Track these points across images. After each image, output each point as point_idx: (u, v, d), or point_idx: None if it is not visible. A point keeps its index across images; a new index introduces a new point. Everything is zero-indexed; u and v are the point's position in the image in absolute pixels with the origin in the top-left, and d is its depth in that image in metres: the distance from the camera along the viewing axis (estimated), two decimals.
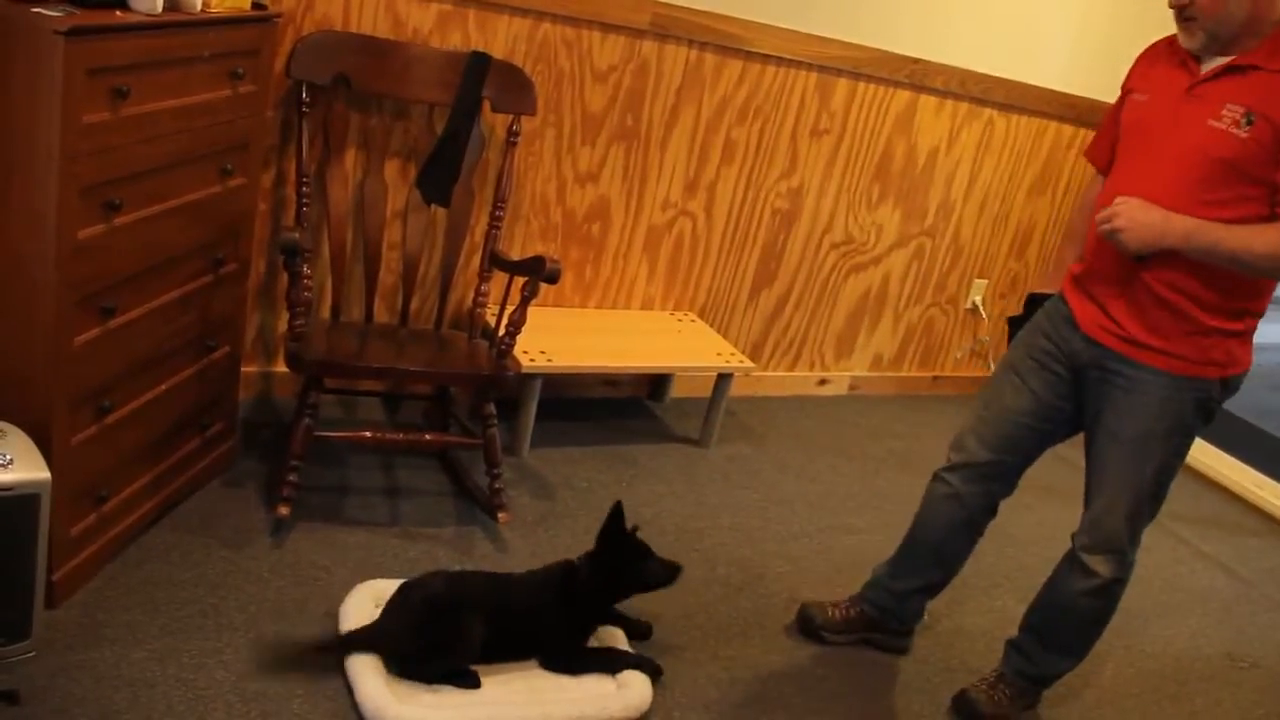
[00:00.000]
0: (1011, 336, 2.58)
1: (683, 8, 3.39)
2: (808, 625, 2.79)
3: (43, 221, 2.04)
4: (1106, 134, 2.48)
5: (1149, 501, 2.37)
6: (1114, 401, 2.32)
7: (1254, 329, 2.28)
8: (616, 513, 2.46)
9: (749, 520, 3.30)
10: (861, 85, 3.83)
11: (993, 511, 2.62)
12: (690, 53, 3.48)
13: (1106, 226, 2.18)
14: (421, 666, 2.28)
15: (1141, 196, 2.17)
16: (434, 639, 2.29)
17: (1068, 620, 2.52)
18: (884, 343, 4.44)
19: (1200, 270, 2.16)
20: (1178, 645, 3.16)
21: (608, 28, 3.32)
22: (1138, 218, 2.14)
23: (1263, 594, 3.59)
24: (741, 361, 3.62)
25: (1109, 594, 2.44)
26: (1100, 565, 2.40)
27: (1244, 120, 2.09)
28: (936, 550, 2.68)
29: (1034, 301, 2.55)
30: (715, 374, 3.63)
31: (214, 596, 2.45)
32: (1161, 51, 2.32)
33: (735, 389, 3.80)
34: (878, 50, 3.76)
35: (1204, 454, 4.45)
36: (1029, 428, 2.47)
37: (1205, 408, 2.30)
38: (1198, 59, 2.20)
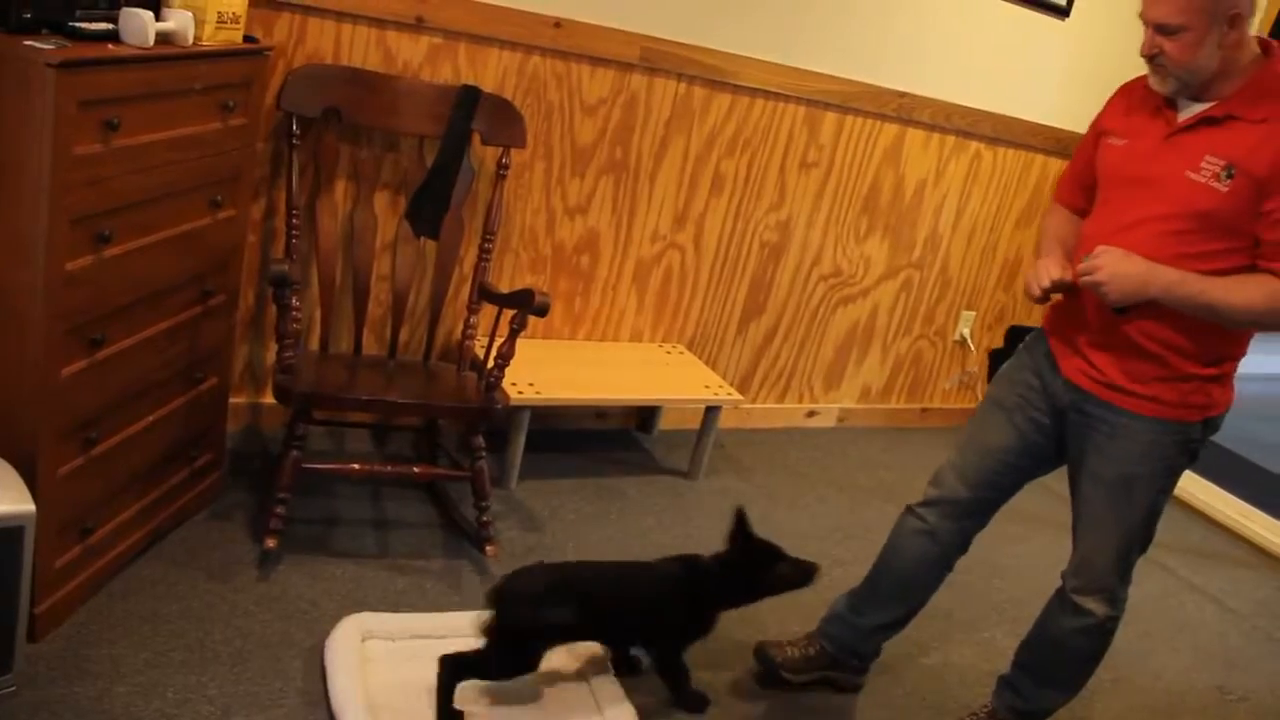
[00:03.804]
0: (993, 369, 2.57)
1: (671, 42, 3.42)
2: (767, 664, 2.69)
3: (32, 252, 2.04)
4: (1078, 173, 2.45)
5: (1138, 541, 2.37)
6: (1097, 445, 2.31)
7: (1234, 371, 2.28)
8: (741, 517, 2.46)
9: None
10: (849, 118, 3.86)
11: (965, 548, 2.59)
12: (679, 86, 3.51)
13: (1088, 278, 2.14)
14: (530, 643, 2.30)
15: (1121, 247, 2.14)
16: (553, 619, 2.30)
17: (1061, 657, 2.51)
18: (872, 375, 4.45)
19: (1180, 319, 2.15)
20: (1168, 678, 3.15)
21: (597, 61, 3.34)
22: (1120, 269, 2.12)
23: (1253, 625, 3.59)
24: (730, 394, 3.62)
25: (1102, 631, 2.43)
26: (1092, 604, 2.39)
27: (1224, 174, 2.07)
28: (905, 586, 2.63)
29: (1016, 334, 2.54)
30: (704, 406, 3.63)
31: (199, 630, 2.43)
32: (1137, 92, 2.28)
33: (724, 421, 3.80)
34: (865, 84, 3.80)
35: (1191, 485, 4.46)
36: (1011, 465, 2.46)
37: (1188, 448, 2.30)
38: (1173, 105, 2.18)
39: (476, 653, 2.30)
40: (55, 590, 2.30)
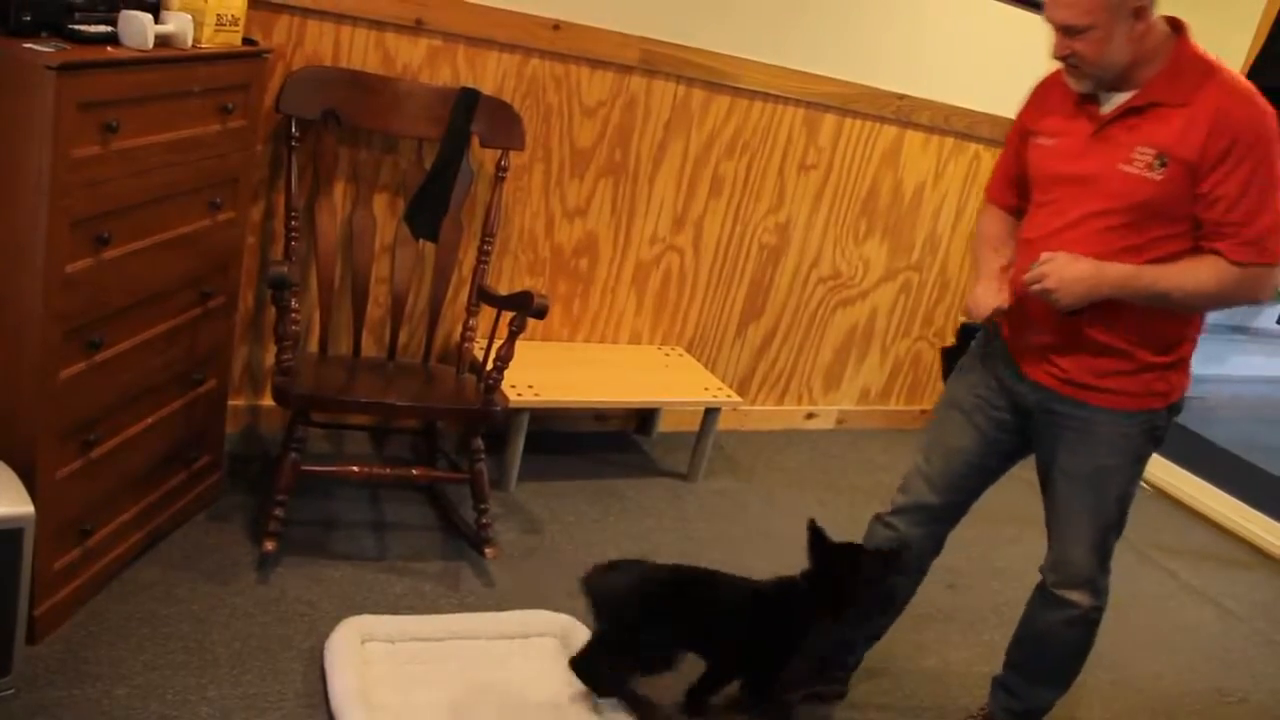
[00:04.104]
0: (947, 367, 2.56)
1: (670, 44, 3.42)
2: None
3: (31, 255, 2.04)
4: (1007, 171, 2.44)
5: (1114, 530, 2.37)
6: (1066, 442, 2.31)
7: (1190, 354, 2.30)
8: (815, 530, 2.43)
9: (736, 555, 3.29)
10: (848, 120, 3.86)
11: (938, 551, 2.58)
12: (678, 88, 3.51)
13: (1038, 287, 2.13)
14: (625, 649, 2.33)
15: (1065, 249, 2.14)
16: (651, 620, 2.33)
17: (1050, 652, 2.50)
18: (871, 376, 4.46)
19: (1134, 312, 2.16)
20: (1166, 680, 3.15)
21: (596, 63, 3.34)
22: (1068, 274, 2.10)
23: (1252, 628, 3.59)
24: (729, 396, 3.62)
25: (1088, 622, 2.43)
26: (1075, 596, 2.39)
27: (1156, 163, 2.07)
28: (883, 596, 2.58)
29: (968, 332, 2.53)
30: (703, 408, 3.63)
31: (198, 632, 2.43)
32: (1057, 89, 2.26)
33: (723, 423, 3.80)
34: (864, 86, 3.80)
35: (1191, 487, 4.46)
36: (976, 466, 2.45)
37: (1154, 435, 2.31)
38: (1094, 98, 2.18)
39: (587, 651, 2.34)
40: (54, 592, 2.30)
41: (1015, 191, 2.41)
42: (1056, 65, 2.23)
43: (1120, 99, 2.14)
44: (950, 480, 2.47)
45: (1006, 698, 2.59)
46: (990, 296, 2.26)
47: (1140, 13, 2.04)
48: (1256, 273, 2.08)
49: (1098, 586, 2.39)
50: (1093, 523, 2.35)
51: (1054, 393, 2.29)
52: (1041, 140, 2.28)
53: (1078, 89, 2.18)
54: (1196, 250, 2.11)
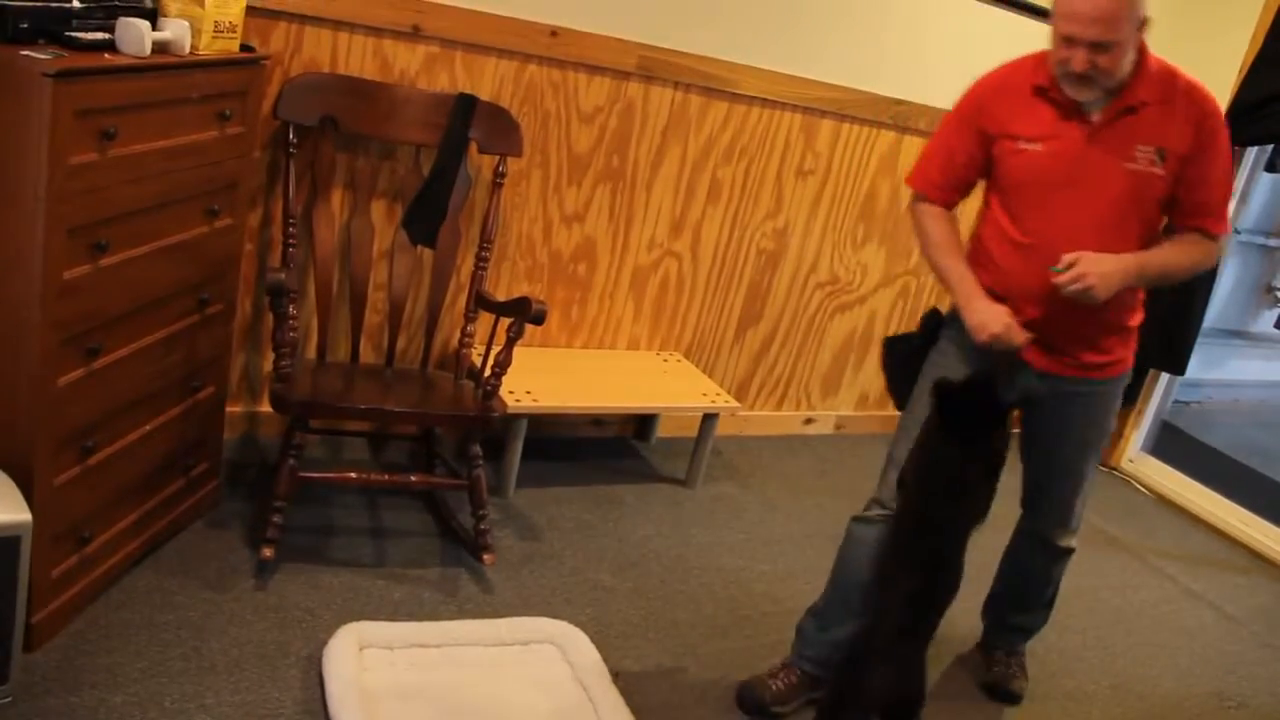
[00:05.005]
0: (900, 359, 2.59)
1: (668, 50, 3.42)
2: (756, 705, 2.59)
3: (28, 262, 2.04)
4: (956, 170, 2.45)
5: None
6: (1080, 417, 2.52)
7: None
8: (938, 395, 2.23)
9: (736, 560, 3.29)
10: (846, 126, 3.86)
11: None
12: (676, 94, 3.52)
13: (1078, 286, 2.21)
14: None
15: (1082, 248, 2.23)
16: None
17: (1053, 588, 2.84)
18: (870, 382, 4.45)
19: (1126, 293, 2.34)
20: (1166, 685, 3.15)
21: (594, 69, 3.35)
22: (1100, 270, 2.21)
23: (1251, 632, 3.58)
24: (727, 401, 3.62)
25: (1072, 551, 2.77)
26: (1073, 540, 2.72)
27: (1158, 158, 2.25)
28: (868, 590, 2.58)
29: (936, 321, 2.55)
30: (701, 414, 3.63)
31: (196, 639, 2.43)
32: (1023, 92, 2.33)
33: (721, 429, 3.80)
34: (862, 91, 3.80)
35: (1190, 491, 4.46)
36: None
37: (1125, 390, 2.60)
38: (1079, 104, 2.27)
39: None
40: (52, 600, 2.30)
41: (961, 193, 2.50)
42: (995, 65, 2.40)
43: (1106, 101, 2.26)
44: None
45: (1012, 614, 2.90)
46: (1005, 320, 2.31)
47: (1144, 23, 2.18)
48: (1223, 241, 2.36)
49: (1080, 524, 2.73)
50: (1086, 479, 2.63)
51: (1066, 378, 2.45)
52: (1024, 145, 2.34)
53: (1083, 98, 2.25)
54: (1168, 227, 2.36)
